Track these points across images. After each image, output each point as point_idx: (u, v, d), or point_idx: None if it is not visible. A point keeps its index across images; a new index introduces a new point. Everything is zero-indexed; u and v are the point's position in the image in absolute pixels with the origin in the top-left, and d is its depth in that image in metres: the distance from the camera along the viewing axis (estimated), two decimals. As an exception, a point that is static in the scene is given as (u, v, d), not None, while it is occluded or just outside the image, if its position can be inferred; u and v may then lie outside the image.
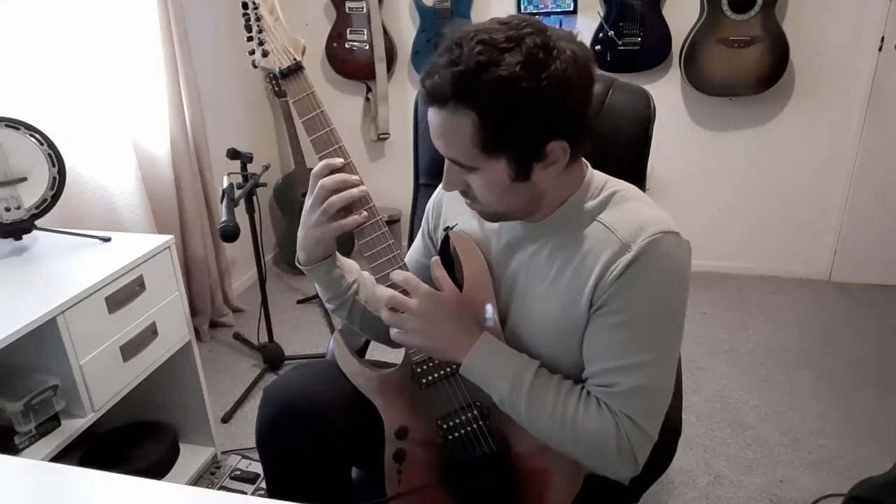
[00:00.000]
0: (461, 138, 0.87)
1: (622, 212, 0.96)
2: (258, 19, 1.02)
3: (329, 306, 1.17)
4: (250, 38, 1.03)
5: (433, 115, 0.89)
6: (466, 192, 0.97)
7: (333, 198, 0.98)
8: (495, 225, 1.05)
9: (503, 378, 0.96)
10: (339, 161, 1.00)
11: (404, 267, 1.01)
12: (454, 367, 1.01)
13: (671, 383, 0.97)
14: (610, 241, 0.93)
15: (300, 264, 1.11)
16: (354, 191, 0.99)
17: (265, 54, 1.03)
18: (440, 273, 1.02)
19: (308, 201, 1.01)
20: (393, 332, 0.99)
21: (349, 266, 1.15)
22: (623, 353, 0.93)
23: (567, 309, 0.96)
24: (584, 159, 1.00)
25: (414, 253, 1.24)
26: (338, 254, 1.11)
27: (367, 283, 1.17)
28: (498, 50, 0.83)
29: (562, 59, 0.84)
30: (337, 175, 0.99)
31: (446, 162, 0.94)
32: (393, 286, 0.99)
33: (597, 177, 1.01)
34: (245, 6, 1.02)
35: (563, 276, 0.97)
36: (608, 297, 0.92)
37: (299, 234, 1.06)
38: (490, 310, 1.03)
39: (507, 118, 0.85)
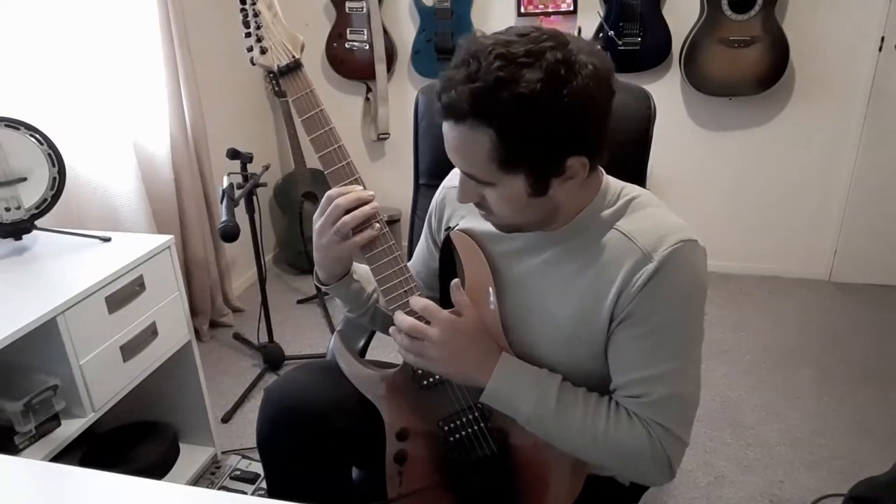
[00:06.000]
0: (478, 154, 0.86)
1: (640, 219, 0.95)
2: (256, 15, 1.00)
3: (350, 315, 1.17)
4: (248, 35, 1.01)
5: (449, 130, 0.87)
6: (481, 204, 0.95)
7: (346, 217, 0.97)
8: None
9: (527, 400, 0.95)
10: (367, 194, 0.98)
11: (406, 269, 1.00)
12: None
13: (698, 388, 0.98)
14: (631, 250, 0.93)
15: (320, 283, 1.10)
16: (367, 208, 0.98)
17: (263, 51, 1.00)
18: (461, 298, 0.99)
19: (319, 221, 1.00)
20: (410, 357, 0.98)
21: (367, 276, 1.14)
22: (650, 364, 0.93)
23: (584, 317, 0.96)
24: (599, 166, 0.99)
25: (419, 254, 1.24)
26: (354, 264, 1.11)
27: None
28: (517, 65, 0.80)
29: (583, 73, 0.82)
30: (351, 195, 0.98)
31: (461, 174, 0.93)
32: (410, 312, 0.98)
33: (612, 184, 1.00)
34: (243, 1, 1.00)
35: (580, 285, 0.96)
36: (632, 308, 0.92)
37: (315, 255, 1.05)
38: (490, 292, 1.02)
39: (526, 136, 0.83)
